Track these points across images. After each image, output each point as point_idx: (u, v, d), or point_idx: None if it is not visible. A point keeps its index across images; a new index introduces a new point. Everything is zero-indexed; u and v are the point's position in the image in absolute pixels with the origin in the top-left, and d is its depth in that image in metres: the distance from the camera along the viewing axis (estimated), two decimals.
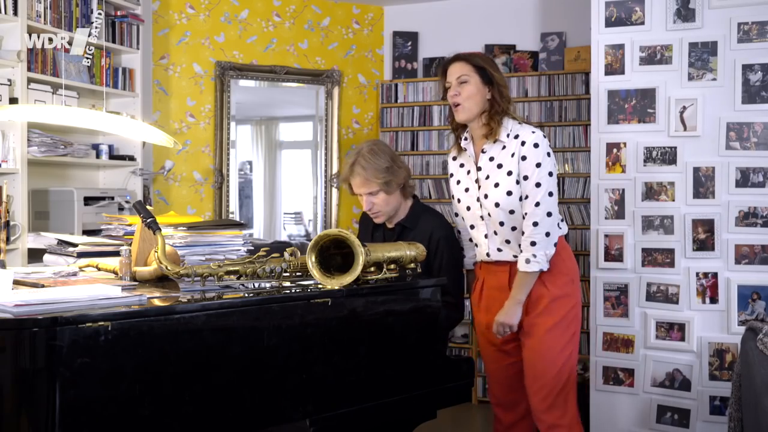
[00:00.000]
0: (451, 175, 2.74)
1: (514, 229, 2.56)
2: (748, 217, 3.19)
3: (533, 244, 2.48)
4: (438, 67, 2.70)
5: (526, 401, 2.66)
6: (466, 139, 2.65)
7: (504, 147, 2.54)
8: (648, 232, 3.32)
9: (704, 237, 3.24)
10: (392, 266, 2.37)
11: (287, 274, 2.24)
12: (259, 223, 7.85)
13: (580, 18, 4.29)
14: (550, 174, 2.51)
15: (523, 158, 2.50)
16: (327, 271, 2.24)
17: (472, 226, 2.65)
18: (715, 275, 3.22)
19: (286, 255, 2.24)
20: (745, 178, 3.19)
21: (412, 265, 2.46)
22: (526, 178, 2.49)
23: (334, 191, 5.39)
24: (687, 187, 3.26)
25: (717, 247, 3.21)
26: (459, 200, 2.68)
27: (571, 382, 2.61)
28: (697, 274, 3.25)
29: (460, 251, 2.84)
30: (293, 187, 7.80)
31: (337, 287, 2.18)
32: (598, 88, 3.42)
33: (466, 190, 2.65)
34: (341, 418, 2.18)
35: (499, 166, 2.54)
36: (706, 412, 3.22)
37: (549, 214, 2.49)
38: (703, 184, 3.24)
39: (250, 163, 8.08)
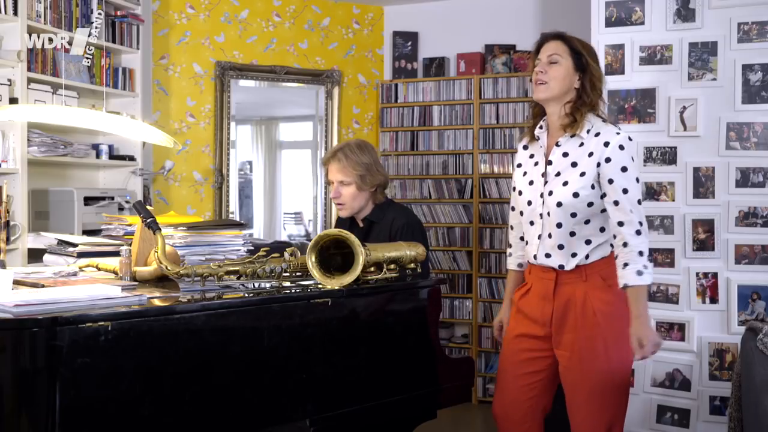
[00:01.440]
0: (519, 165, 2.49)
1: (572, 234, 2.30)
2: (748, 217, 3.19)
3: (641, 254, 2.23)
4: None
5: (536, 416, 2.45)
6: (541, 127, 2.42)
7: (582, 144, 2.31)
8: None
9: (704, 237, 3.24)
10: (392, 266, 2.37)
11: (287, 274, 2.24)
12: (259, 223, 7.86)
13: (580, 18, 4.27)
14: (637, 180, 2.29)
15: (607, 160, 2.26)
16: (327, 271, 2.24)
17: (531, 222, 2.39)
18: (715, 275, 3.22)
19: (286, 255, 2.24)
20: (745, 178, 3.19)
21: (412, 265, 2.46)
22: (611, 181, 2.26)
23: None
24: (687, 187, 3.26)
25: (717, 247, 3.21)
26: (520, 192, 2.43)
27: (626, 398, 2.40)
28: (697, 274, 3.25)
29: (424, 239, 2.74)
30: (293, 187, 7.81)
31: (337, 287, 2.18)
32: None
33: (530, 183, 2.40)
34: (341, 418, 2.18)
35: (574, 164, 2.31)
36: (706, 412, 3.22)
37: (641, 223, 2.25)
38: (703, 184, 3.24)
39: (250, 163, 8.08)
